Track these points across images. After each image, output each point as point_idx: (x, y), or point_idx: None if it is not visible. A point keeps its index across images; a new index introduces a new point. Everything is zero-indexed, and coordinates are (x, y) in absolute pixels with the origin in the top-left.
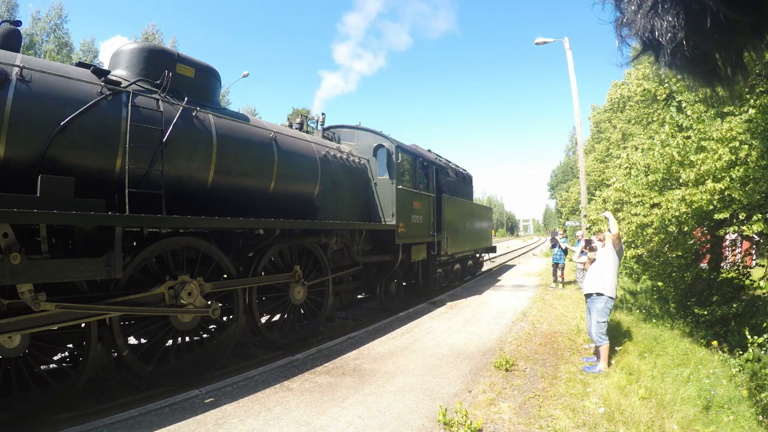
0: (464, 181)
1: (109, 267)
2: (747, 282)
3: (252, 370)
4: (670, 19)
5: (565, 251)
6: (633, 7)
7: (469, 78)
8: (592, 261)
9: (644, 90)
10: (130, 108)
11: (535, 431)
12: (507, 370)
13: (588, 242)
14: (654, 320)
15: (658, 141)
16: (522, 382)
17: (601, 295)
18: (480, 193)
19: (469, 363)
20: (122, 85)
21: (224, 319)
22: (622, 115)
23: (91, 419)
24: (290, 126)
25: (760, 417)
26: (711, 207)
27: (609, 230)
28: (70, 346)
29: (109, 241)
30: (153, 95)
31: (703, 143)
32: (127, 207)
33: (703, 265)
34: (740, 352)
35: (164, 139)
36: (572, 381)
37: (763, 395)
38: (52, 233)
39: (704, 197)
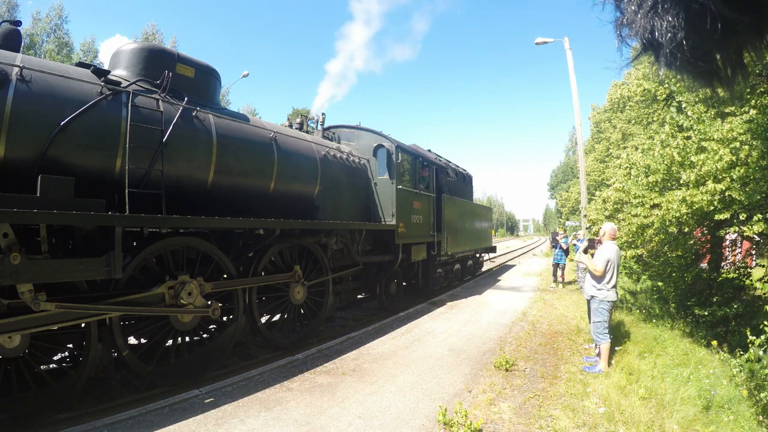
0: (464, 181)
1: (109, 267)
2: (747, 282)
3: (252, 370)
4: (670, 19)
5: (566, 251)
6: (633, 7)
7: (469, 78)
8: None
9: (644, 90)
10: (130, 108)
11: (535, 431)
12: (507, 370)
13: (591, 242)
14: (654, 320)
15: (658, 141)
16: (522, 382)
17: (594, 297)
18: (480, 193)
19: (469, 363)
20: (122, 85)
21: (224, 319)
22: (622, 115)
23: (91, 419)
24: (290, 126)
25: (760, 417)
26: (711, 208)
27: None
28: (70, 346)
29: (109, 241)
30: (153, 95)
31: (703, 144)
32: (127, 207)
33: (704, 265)
34: (741, 353)
35: (164, 139)
36: (572, 381)
37: (763, 395)
38: (52, 233)
39: (705, 198)
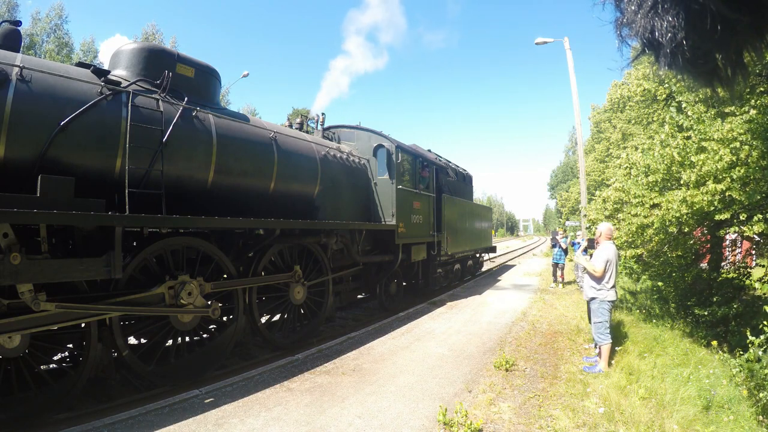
0: (464, 181)
1: (109, 267)
2: (747, 282)
3: (252, 370)
4: (670, 19)
5: (566, 251)
6: (633, 7)
7: (469, 78)
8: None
9: (644, 90)
10: (130, 108)
11: (535, 431)
12: (507, 370)
13: (590, 241)
14: (654, 320)
15: (658, 141)
16: (522, 382)
17: (594, 298)
18: (480, 193)
19: (469, 363)
20: (122, 85)
21: (224, 319)
22: (622, 115)
23: (91, 419)
24: (290, 126)
25: (760, 417)
26: (712, 208)
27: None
28: (70, 346)
29: (109, 241)
30: (153, 95)
31: (703, 144)
32: (127, 207)
33: (704, 265)
34: (741, 352)
35: (164, 139)
36: (572, 381)
37: (762, 395)
38: (52, 233)
39: (705, 198)
